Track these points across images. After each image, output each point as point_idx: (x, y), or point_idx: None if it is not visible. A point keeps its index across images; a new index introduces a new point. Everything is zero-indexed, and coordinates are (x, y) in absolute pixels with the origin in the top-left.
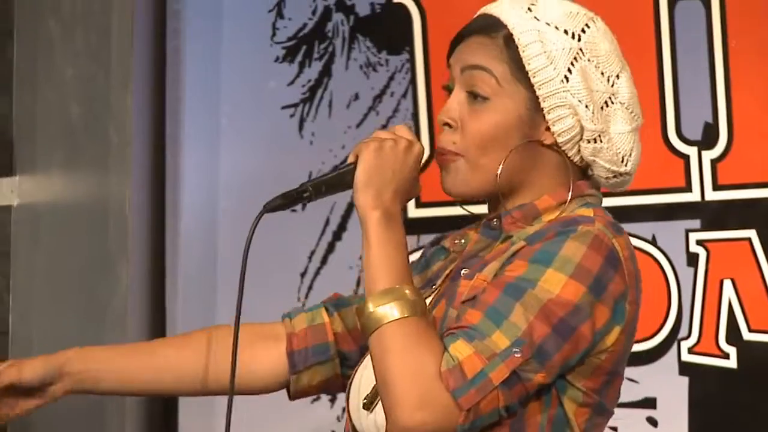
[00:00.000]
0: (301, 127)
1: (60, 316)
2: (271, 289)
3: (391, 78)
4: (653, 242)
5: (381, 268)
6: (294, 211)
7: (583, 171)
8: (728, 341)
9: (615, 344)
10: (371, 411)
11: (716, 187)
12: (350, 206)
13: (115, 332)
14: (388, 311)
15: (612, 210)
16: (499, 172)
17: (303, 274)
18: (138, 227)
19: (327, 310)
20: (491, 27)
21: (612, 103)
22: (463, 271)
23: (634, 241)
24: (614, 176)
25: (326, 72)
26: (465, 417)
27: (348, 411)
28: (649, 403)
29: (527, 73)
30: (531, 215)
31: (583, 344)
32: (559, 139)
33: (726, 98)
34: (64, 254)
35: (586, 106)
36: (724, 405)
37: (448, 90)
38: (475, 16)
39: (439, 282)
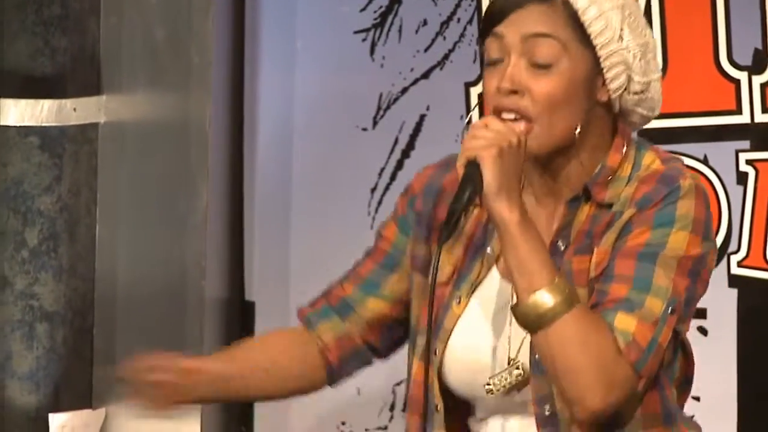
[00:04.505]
0: (372, 51)
1: (142, 227)
2: (344, 203)
3: (458, 5)
4: (705, 162)
5: (536, 267)
6: (365, 129)
7: (615, 119)
8: None
9: None
10: (510, 392)
11: (765, 110)
12: (418, 126)
13: (194, 243)
14: (559, 306)
15: (666, 132)
16: (577, 132)
17: (373, 190)
18: (217, 144)
19: (340, 315)
20: None
21: (648, 53)
22: (560, 245)
23: (687, 161)
24: (645, 122)
25: None
26: (644, 381)
27: (436, 384)
28: (700, 313)
29: (588, 35)
30: (610, 176)
31: (706, 286)
32: (612, 95)
33: None
34: (148, 169)
35: (640, 60)
36: None
37: (495, 63)
38: None
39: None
